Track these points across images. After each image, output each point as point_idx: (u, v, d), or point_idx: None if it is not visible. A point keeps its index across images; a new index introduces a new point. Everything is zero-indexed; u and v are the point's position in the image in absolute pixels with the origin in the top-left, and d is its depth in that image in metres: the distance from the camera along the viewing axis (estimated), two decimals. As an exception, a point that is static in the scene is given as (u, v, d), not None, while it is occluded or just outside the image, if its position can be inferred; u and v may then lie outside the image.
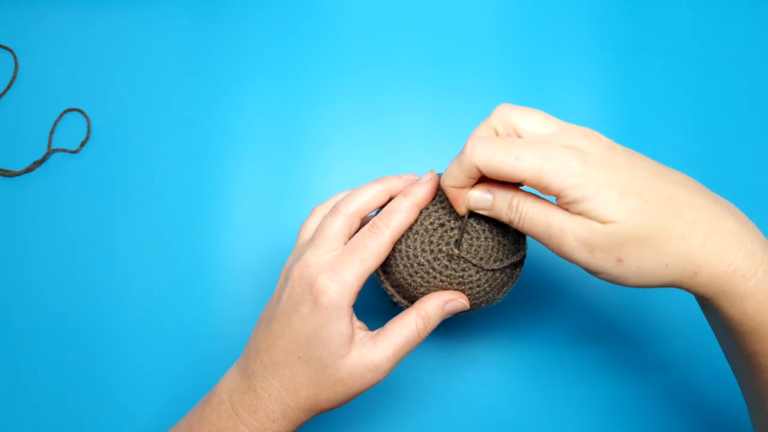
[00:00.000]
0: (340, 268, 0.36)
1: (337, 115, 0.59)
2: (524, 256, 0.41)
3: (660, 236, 0.31)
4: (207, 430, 0.39)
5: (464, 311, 0.40)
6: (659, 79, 0.60)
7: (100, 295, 0.55)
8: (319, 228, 0.39)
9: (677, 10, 0.62)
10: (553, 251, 0.34)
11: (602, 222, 0.31)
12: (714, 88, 0.60)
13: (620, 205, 0.31)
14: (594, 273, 0.33)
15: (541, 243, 0.34)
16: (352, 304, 0.37)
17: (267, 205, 0.57)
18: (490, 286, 0.40)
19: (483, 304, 0.41)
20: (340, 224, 0.38)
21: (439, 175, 0.41)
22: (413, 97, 0.59)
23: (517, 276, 0.41)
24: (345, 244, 0.38)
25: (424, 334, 0.38)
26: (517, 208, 0.34)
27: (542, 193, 0.33)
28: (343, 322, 0.36)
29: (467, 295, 0.39)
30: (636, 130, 0.58)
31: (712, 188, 0.57)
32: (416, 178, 0.41)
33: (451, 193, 0.36)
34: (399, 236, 0.38)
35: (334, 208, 0.39)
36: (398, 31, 0.61)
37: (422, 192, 0.38)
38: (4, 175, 0.57)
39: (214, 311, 0.54)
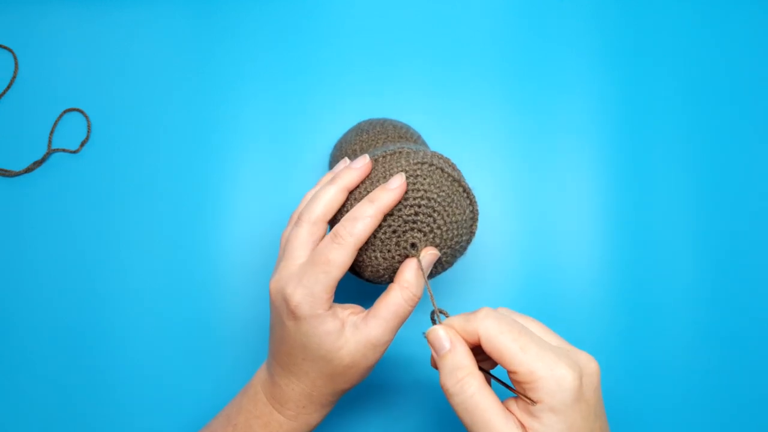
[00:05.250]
0: (306, 282, 0.37)
1: (337, 115, 0.59)
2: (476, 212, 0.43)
3: None
4: (245, 418, 0.42)
5: (442, 264, 0.42)
6: (658, 81, 0.60)
7: (100, 294, 0.55)
8: (288, 240, 0.40)
9: (677, 12, 0.62)
10: None
11: None
12: (714, 89, 0.60)
13: None
14: None
15: (463, 424, 0.33)
16: (328, 307, 0.38)
17: (268, 205, 0.57)
18: (454, 250, 0.42)
19: (458, 255, 0.44)
20: (305, 234, 0.39)
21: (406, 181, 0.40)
22: (414, 97, 0.59)
23: (474, 230, 0.43)
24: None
25: (412, 301, 0.39)
26: (461, 382, 0.33)
27: (516, 387, 0.33)
28: (326, 324, 0.37)
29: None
30: (634, 131, 0.58)
31: (711, 190, 0.57)
32: (367, 161, 0.40)
33: (439, 329, 0.36)
34: (363, 242, 0.38)
35: (299, 219, 0.40)
36: (399, 31, 0.61)
37: (389, 199, 0.38)
38: (4, 175, 0.57)
39: (214, 310, 0.54)
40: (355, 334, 0.38)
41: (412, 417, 0.52)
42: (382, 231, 0.39)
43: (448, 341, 0.34)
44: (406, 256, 0.40)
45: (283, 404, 0.41)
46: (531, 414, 0.32)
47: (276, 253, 0.55)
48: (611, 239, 0.56)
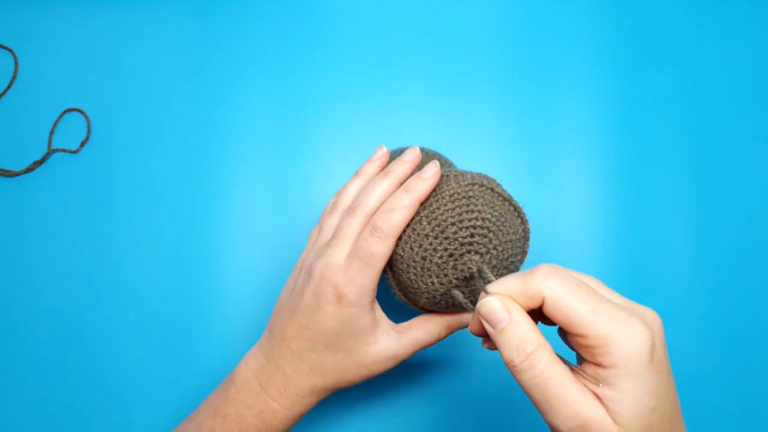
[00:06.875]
0: (354, 274, 0.38)
1: (338, 114, 0.59)
2: (528, 230, 0.41)
3: None
4: (234, 408, 0.41)
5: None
6: (659, 81, 0.60)
7: (100, 294, 0.55)
8: (338, 228, 0.40)
9: (677, 12, 0.62)
10: (542, 413, 0.30)
11: (618, 423, 0.29)
12: (714, 90, 0.60)
13: (645, 421, 0.29)
14: None
15: (533, 401, 0.30)
16: (373, 299, 0.39)
17: (268, 204, 0.57)
18: (509, 270, 0.40)
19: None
20: (357, 225, 0.40)
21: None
22: (414, 97, 0.59)
23: (526, 248, 0.42)
24: None
25: (443, 339, 0.42)
26: (531, 357, 0.29)
27: (582, 352, 0.30)
28: (367, 316, 0.39)
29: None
30: (635, 131, 0.59)
31: (711, 191, 0.57)
32: (417, 152, 0.41)
33: (494, 300, 0.31)
34: (401, 231, 0.39)
35: (351, 209, 0.40)
36: (399, 30, 0.61)
37: (424, 188, 0.39)
38: (4, 175, 0.57)
39: (215, 309, 0.54)
40: (386, 338, 0.40)
41: (410, 416, 0.52)
42: (438, 255, 0.38)
43: (506, 312, 0.30)
44: (464, 279, 0.38)
45: (281, 391, 0.41)
46: (604, 381, 0.29)
47: (278, 251, 0.55)
48: (611, 240, 0.56)
